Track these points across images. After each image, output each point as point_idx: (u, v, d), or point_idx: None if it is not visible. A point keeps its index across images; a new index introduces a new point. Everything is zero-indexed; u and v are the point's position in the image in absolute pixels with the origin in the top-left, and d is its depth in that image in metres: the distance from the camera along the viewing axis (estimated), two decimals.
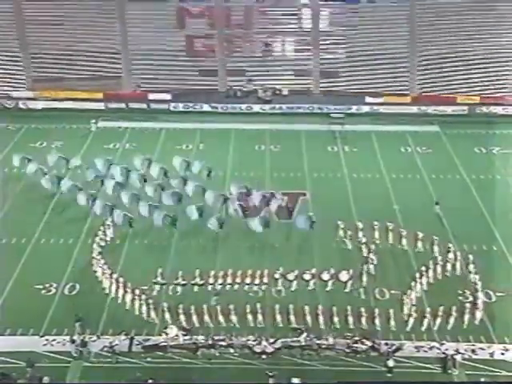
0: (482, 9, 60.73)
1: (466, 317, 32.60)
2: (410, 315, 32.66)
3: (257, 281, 34.98)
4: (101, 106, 59.54)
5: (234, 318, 32.38)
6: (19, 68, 61.88)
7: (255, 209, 41.99)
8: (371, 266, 36.23)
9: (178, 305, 32.82)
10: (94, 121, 55.50)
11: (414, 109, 59.64)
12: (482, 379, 29.04)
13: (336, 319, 32.36)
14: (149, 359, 30.71)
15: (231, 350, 31.01)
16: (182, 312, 32.46)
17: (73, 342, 30.93)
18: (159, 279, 35.14)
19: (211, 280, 34.93)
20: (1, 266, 36.74)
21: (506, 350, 31.25)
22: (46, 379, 28.68)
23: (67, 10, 60.49)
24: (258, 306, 32.91)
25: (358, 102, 59.84)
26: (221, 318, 32.49)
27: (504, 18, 60.88)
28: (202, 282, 34.79)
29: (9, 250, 38.65)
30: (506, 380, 29.42)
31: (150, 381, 28.60)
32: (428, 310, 32.89)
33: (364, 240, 38.35)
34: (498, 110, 59.35)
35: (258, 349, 30.74)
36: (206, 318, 32.44)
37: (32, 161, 46.35)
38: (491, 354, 30.96)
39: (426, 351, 31.20)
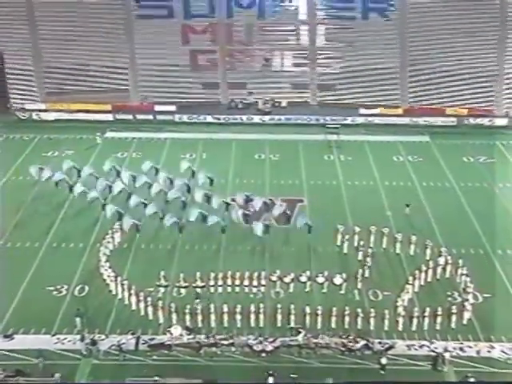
0: (469, 26, 60.53)
1: (455, 317, 32.59)
2: (401, 315, 32.65)
3: (256, 283, 34.89)
4: (109, 117, 59.66)
5: (237, 317, 32.34)
6: (33, 81, 61.95)
7: (256, 214, 42.14)
8: (366, 269, 36.26)
9: (185, 305, 32.71)
10: (99, 134, 55.36)
11: (406, 120, 59.81)
12: (469, 375, 28.96)
13: (332, 319, 32.27)
14: (154, 357, 30.73)
15: (232, 349, 31.05)
16: (187, 312, 32.37)
17: (82, 340, 30.99)
18: (162, 281, 35.12)
19: (212, 282, 34.79)
20: (15, 269, 36.88)
21: (492, 347, 31.31)
22: (57, 376, 28.77)
23: (79, 27, 60.37)
24: (255, 307, 32.71)
25: (353, 114, 60.02)
26: (217, 319, 32.45)
27: (491, 33, 60.86)
28: (202, 284, 34.69)
29: (23, 254, 38.70)
30: (492, 378, 29.43)
31: (156, 378, 28.68)
32: (418, 310, 32.90)
33: (360, 244, 38.33)
34: (485, 121, 59.53)
35: (257, 347, 30.78)
36: (210, 318, 32.46)
37: (45, 169, 46.59)
38: (478, 352, 31.01)
39: (416, 349, 31.24)
